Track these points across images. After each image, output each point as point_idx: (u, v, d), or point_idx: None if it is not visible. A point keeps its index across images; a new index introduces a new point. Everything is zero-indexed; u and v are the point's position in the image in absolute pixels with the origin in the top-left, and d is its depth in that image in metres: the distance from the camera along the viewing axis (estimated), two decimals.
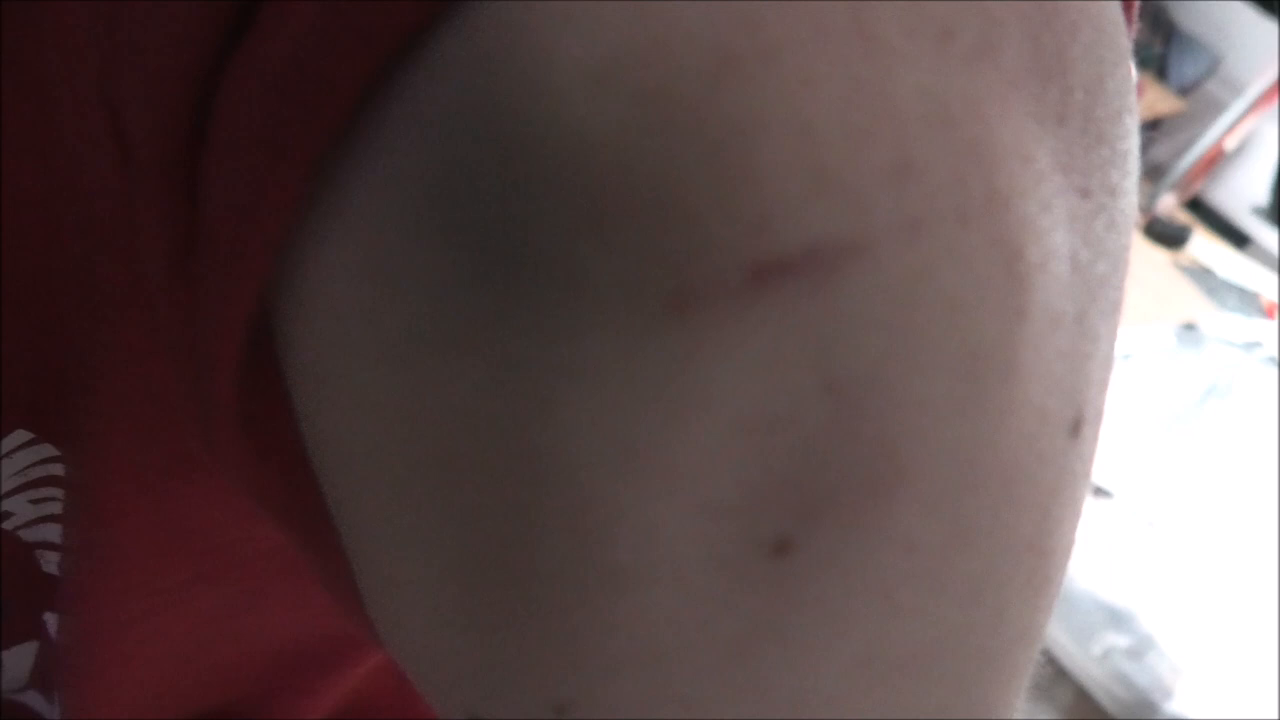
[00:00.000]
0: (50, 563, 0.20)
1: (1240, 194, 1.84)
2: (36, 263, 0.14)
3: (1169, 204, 1.80)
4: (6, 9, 0.11)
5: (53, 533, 0.19)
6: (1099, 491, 1.26)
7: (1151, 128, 1.82)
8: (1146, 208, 1.77)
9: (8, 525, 0.19)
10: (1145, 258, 1.72)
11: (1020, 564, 0.09)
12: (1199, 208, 1.88)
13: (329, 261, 0.08)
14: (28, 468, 0.17)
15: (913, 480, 0.08)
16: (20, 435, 0.16)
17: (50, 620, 0.22)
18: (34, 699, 0.25)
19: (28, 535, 0.19)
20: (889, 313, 0.07)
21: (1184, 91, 1.77)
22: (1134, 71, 0.10)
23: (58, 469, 0.17)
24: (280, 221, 0.08)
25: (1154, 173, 1.84)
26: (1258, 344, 1.61)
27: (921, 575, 0.08)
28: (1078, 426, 0.09)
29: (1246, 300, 1.70)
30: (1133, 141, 0.09)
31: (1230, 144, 1.76)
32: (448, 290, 0.07)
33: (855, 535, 0.08)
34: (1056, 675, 1.15)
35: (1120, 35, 0.09)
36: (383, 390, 0.08)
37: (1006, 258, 0.08)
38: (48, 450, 0.16)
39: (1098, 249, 0.09)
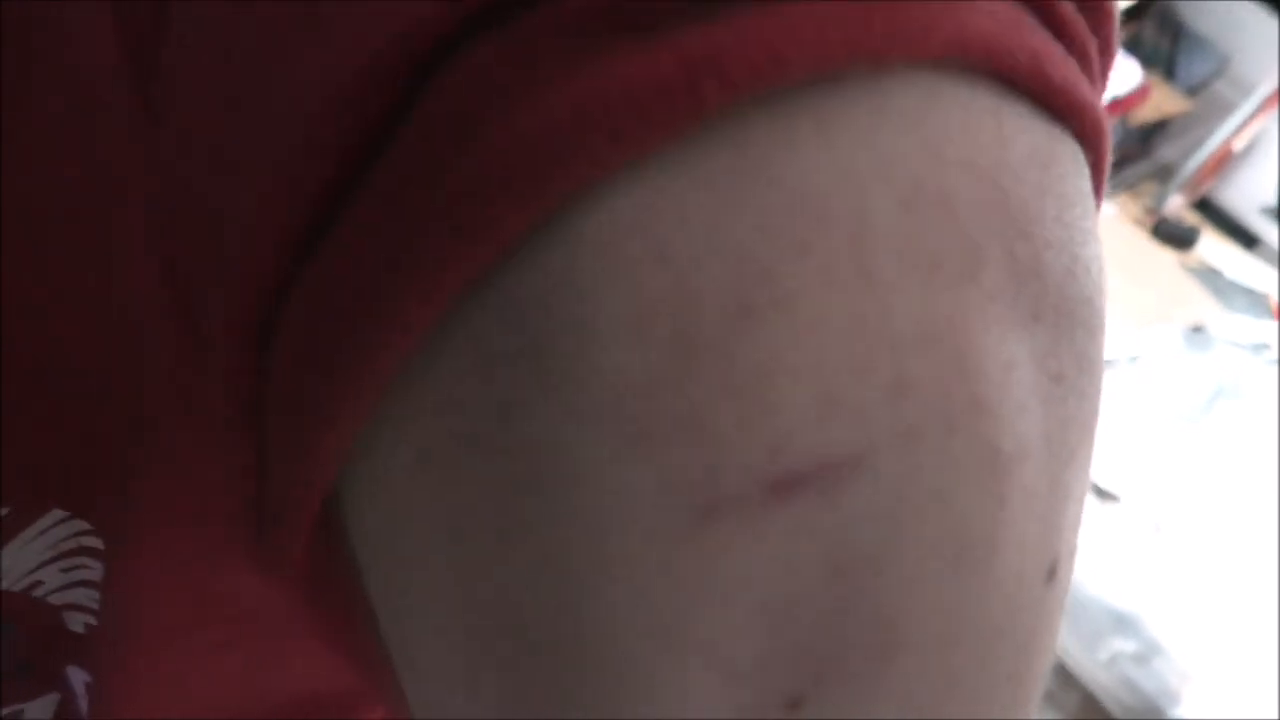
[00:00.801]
0: (76, 622, 0.21)
1: (1249, 194, 1.83)
2: (79, 371, 0.15)
3: (1177, 205, 1.79)
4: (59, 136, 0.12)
5: (80, 595, 0.20)
6: (1105, 495, 1.26)
7: (1159, 128, 1.82)
8: (1154, 209, 1.77)
9: (38, 593, 0.20)
10: (1153, 259, 1.72)
11: (1003, 693, 0.10)
12: (1207, 208, 1.87)
13: (392, 455, 0.09)
14: (60, 541, 0.18)
15: (906, 645, 0.09)
16: (57, 514, 0.17)
17: (73, 673, 0.23)
18: None
19: (56, 599, 0.20)
20: (886, 510, 0.09)
21: (1192, 91, 1.76)
22: (1104, 195, 0.11)
23: (89, 540, 0.18)
24: (354, 427, 0.09)
25: (1162, 174, 1.83)
26: (1266, 346, 1.61)
27: (916, 717, 0.09)
28: (1053, 572, 0.10)
29: (1255, 301, 1.70)
30: (1102, 314, 0.10)
31: (1239, 144, 1.75)
32: (504, 496, 0.09)
33: (857, 692, 0.09)
34: (1064, 681, 1.15)
35: (1088, 217, 0.10)
36: (439, 568, 0.10)
37: (987, 455, 0.09)
38: (81, 525, 0.18)
39: (1069, 423, 0.10)
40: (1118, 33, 0.11)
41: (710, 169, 0.08)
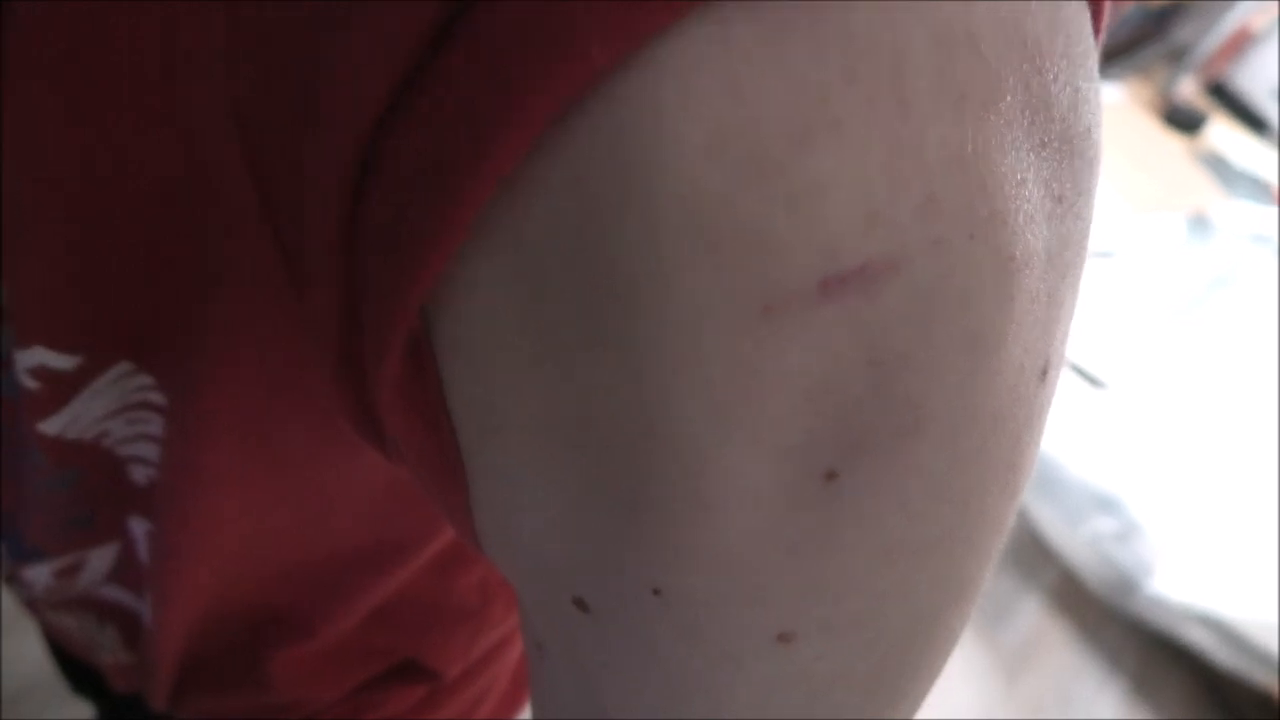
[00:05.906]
0: (140, 475, 0.22)
1: (1262, 77, 1.79)
2: (155, 227, 0.16)
3: (1189, 88, 1.75)
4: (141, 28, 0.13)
5: (143, 449, 0.21)
6: (1094, 382, 1.28)
7: (1175, 9, 1.75)
8: (1166, 93, 1.73)
9: (106, 443, 0.21)
10: (1161, 146, 1.69)
11: (999, 478, 0.12)
12: (1219, 94, 1.83)
13: (486, 270, 0.11)
14: (128, 393, 0.19)
15: (927, 425, 0.11)
16: (124, 366, 0.19)
17: (134, 524, 0.24)
18: (114, 591, 0.28)
19: (123, 451, 0.21)
20: (916, 308, 0.10)
21: None
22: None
23: (153, 396, 0.19)
24: (453, 246, 0.10)
25: (1176, 55, 1.78)
26: (1267, 238, 1.60)
27: (929, 490, 0.11)
28: (1045, 372, 0.12)
29: (1259, 190, 1.68)
30: (1099, 144, 0.12)
31: (1258, 24, 1.70)
32: (591, 299, 0.10)
33: (884, 465, 0.11)
34: (1044, 556, 1.20)
35: (1090, 55, 0.11)
36: (527, 368, 0.11)
37: (1001, 261, 0.10)
38: (146, 379, 0.19)
39: (1066, 240, 0.11)
40: None
41: (771, 10, 0.09)
